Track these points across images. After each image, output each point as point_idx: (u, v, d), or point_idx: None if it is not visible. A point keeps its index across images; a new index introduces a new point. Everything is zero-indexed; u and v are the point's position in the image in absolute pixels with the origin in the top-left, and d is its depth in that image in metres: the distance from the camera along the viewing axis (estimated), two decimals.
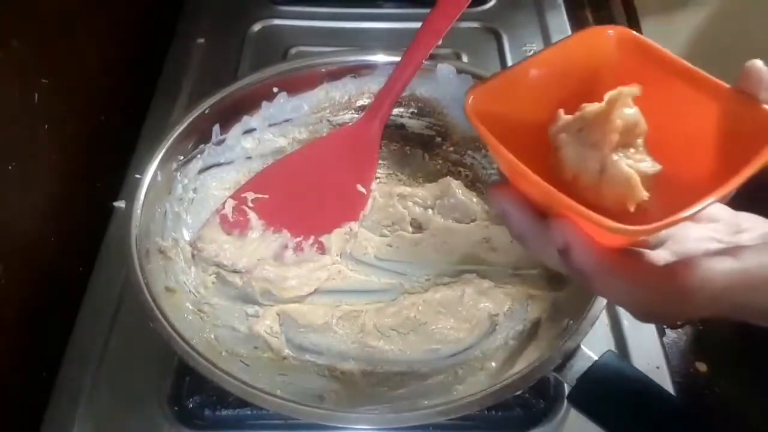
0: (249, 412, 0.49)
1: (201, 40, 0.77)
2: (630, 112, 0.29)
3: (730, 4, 1.09)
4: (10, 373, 0.51)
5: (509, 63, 0.75)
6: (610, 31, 0.32)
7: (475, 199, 0.58)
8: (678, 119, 0.31)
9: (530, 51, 0.76)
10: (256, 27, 0.79)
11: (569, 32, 0.79)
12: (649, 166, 0.30)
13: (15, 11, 0.51)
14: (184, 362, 0.42)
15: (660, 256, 0.30)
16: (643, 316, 0.31)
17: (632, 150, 0.30)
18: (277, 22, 0.80)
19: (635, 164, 0.29)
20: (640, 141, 0.30)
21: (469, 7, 0.59)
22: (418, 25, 0.78)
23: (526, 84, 0.32)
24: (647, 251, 0.31)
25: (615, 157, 0.29)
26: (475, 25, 0.79)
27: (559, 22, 0.80)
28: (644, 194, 0.29)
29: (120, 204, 0.58)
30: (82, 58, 0.63)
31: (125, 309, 0.54)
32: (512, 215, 0.31)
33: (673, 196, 0.28)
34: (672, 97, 0.31)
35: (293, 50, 0.76)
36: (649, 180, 0.29)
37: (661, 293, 0.28)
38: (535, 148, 0.30)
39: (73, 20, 0.61)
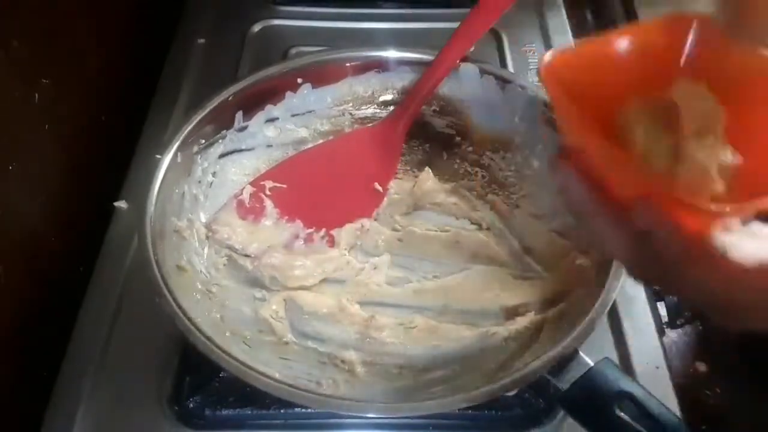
0: (249, 412, 0.49)
1: (201, 40, 0.77)
2: (709, 99, 0.27)
3: None
4: (10, 373, 0.51)
5: (509, 63, 0.75)
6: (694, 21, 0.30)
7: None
8: (761, 113, 0.28)
9: (530, 51, 0.76)
10: (256, 27, 0.79)
11: (569, 32, 0.79)
12: (727, 157, 0.27)
13: (15, 11, 0.51)
14: (184, 342, 0.42)
15: None
16: (728, 316, 0.28)
17: (710, 139, 0.27)
18: (277, 22, 0.80)
19: (712, 153, 0.27)
20: (718, 130, 0.28)
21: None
22: (418, 25, 0.79)
23: (602, 60, 0.30)
24: None
25: (691, 144, 0.27)
26: None
27: (559, 22, 0.80)
28: (719, 185, 0.26)
29: (120, 204, 0.58)
30: (82, 58, 0.63)
31: (125, 309, 0.54)
32: (574, 189, 0.29)
33: (753, 192, 0.25)
34: (756, 92, 0.29)
35: (293, 50, 0.76)
36: (725, 172, 0.27)
37: (761, 294, 0.25)
38: (601, 126, 0.28)
39: (73, 20, 0.61)
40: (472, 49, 0.58)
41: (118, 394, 0.50)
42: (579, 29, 0.82)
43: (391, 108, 0.62)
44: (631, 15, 0.88)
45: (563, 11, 0.81)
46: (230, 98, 0.57)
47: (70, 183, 0.60)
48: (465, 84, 0.60)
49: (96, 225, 0.59)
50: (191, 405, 0.49)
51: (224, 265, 0.55)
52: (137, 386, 0.50)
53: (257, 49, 0.77)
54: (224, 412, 0.49)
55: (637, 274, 0.29)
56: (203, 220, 0.56)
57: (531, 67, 0.75)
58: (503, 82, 0.59)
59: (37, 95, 0.54)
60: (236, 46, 0.77)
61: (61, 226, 0.58)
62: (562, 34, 0.78)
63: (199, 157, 0.56)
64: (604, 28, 0.87)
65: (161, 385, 0.50)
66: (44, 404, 0.49)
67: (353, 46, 0.63)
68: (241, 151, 0.60)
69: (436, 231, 0.59)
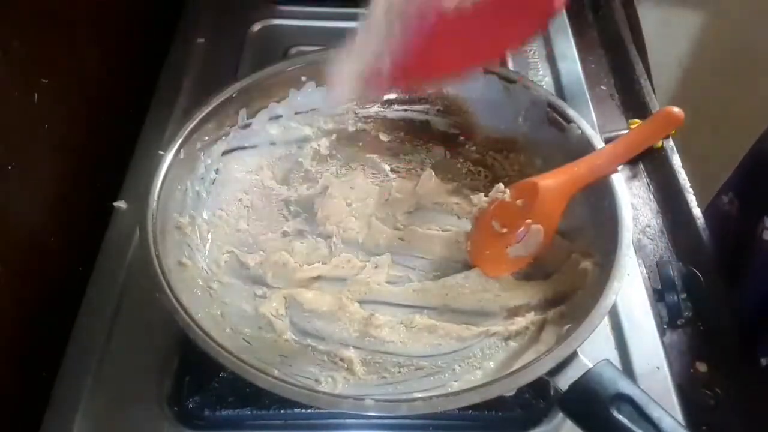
0: (249, 412, 0.49)
1: (201, 40, 0.77)
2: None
3: (729, 4, 1.09)
4: (9, 373, 0.51)
5: (509, 62, 0.75)
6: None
7: None
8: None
9: (530, 51, 0.76)
10: (256, 27, 0.79)
11: (569, 32, 0.79)
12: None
13: (15, 11, 0.51)
14: (184, 342, 0.42)
15: None
16: None
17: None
18: (277, 22, 0.80)
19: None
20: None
21: None
22: None
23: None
24: None
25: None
26: None
27: (560, 22, 0.80)
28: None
29: (120, 204, 0.58)
30: (82, 58, 0.63)
31: (125, 309, 0.54)
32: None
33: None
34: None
35: (293, 50, 0.76)
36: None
37: None
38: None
39: (73, 20, 0.61)
40: None
41: (118, 394, 0.50)
42: (579, 29, 0.82)
43: (395, 107, 0.63)
44: (631, 14, 0.88)
45: (563, 11, 0.81)
46: (234, 95, 0.57)
47: (70, 183, 0.60)
48: (469, 84, 0.60)
49: (95, 225, 0.59)
50: (191, 405, 0.49)
51: (225, 262, 0.55)
52: (137, 386, 0.50)
53: (257, 48, 0.77)
54: (224, 412, 0.49)
55: None
56: (205, 216, 0.56)
57: (531, 67, 0.75)
58: (507, 82, 0.59)
59: (37, 95, 0.54)
60: (236, 45, 0.77)
61: (61, 225, 0.58)
62: (563, 34, 0.78)
63: (202, 153, 0.56)
64: (605, 27, 0.87)
65: (161, 385, 0.50)
66: (44, 404, 0.49)
67: None
68: (244, 148, 0.60)
69: (437, 230, 0.59)
